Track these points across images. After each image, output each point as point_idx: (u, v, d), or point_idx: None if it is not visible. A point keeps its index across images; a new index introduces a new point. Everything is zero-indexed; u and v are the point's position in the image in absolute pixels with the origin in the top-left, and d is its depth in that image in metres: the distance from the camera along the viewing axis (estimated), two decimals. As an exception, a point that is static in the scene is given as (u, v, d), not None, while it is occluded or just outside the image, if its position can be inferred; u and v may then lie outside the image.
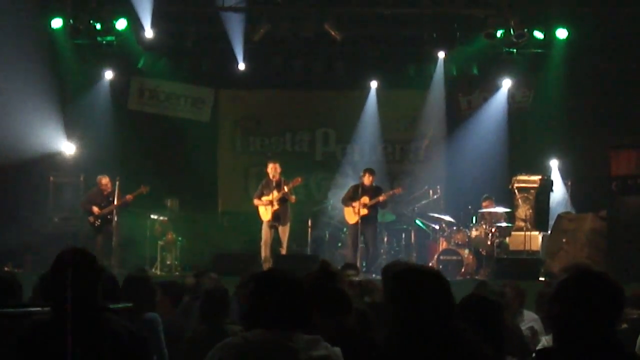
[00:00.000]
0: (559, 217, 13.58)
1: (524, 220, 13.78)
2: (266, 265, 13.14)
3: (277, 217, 13.92)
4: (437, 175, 16.50)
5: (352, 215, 14.21)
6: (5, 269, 12.48)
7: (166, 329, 6.34)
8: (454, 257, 13.99)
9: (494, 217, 14.46)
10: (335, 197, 15.56)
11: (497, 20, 14.70)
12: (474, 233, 14.34)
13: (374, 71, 16.73)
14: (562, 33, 14.77)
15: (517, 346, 5.77)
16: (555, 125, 15.55)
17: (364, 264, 13.93)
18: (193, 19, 15.70)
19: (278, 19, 15.42)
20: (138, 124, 16.93)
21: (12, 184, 15.13)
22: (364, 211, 14.04)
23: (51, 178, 15.42)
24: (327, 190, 16.90)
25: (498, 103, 16.34)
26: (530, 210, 13.72)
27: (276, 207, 13.88)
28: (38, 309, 3.99)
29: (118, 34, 14.84)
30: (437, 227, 14.86)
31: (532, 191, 13.83)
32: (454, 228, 14.57)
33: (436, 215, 14.92)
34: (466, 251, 14.05)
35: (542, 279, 12.36)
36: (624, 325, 5.86)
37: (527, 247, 13.39)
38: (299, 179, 14.10)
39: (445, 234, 14.56)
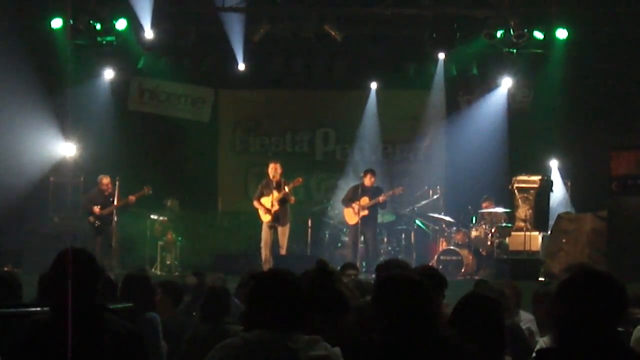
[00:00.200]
0: (559, 217, 13.57)
1: (524, 221, 13.77)
2: (266, 266, 13.14)
3: (277, 218, 13.91)
4: (437, 176, 16.51)
5: (352, 215, 14.22)
6: (5, 269, 12.47)
7: (166, 328, 6.35)
8: (454, 257, 14.00)
9: (494, 218, 14.47)
10: (336, 198, 15.57)
11: (497, 21, 14.69)
12: (474, 233, 14.35)
13: (374, 71, 16.73)
14: (562, 33, 14.75)
15: (517, 345, 5.76)
16: (555, 126, 15.54)
17: (363, 264, 13.94)
18: (193, 19, 15.70)
19: (278, 19, 15.42)
20: (138, 124, 16.93)
21: (13, 185, 15.11)
22: (364, 212, 14.05)
23: (51, 178, 15.42)
24: (327, 191, 16.92)
25: (498, 103, 16.33)
26: (530, 211, 13.71)
27: (276, 207, 13.87)
28: (37, 309, 3.99)
29: (118, 34, 14.82)
30: (437, 227, 14.88)
31: (532, 191, 13.81)
32: (454, 228, 14.59)
33: (436, 215, 14.93)
34: (466, 251, 14.06)
35: (542, 279, 12.36)
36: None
37: (527, 248, 13.38)
38: (300, 180, 14.10)
39: (445, 234, 14.57)
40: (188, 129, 17.05)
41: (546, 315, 7.27)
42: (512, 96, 16.37)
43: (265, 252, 13.94)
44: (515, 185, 14.09)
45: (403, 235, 15.15)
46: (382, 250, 14.67)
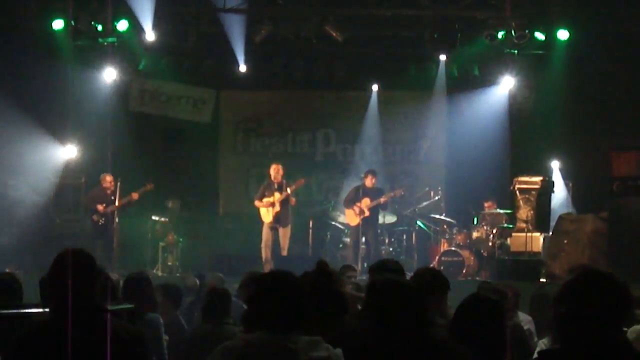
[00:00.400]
0: (560, 218, 13.56)
1: (525, 222, 13.75)
2: (267, 267, 13.14)
3: (278, 219, 13.92)
4: (438, 177, 16.51)
5: (353, 216, 14.22)
6: (7, 270, 12.46)
7: (167, 329, 6.35)
8: (455, 258, 14.00)
9: (495, 218, 14.46)
10: (338, 199, 15.57)
11: (498, 22, 14.70)
12: (475, 234, 14.35)
13: (374, 72, 16.72)
14: (563, 34, 14.75)
15: (518, 347, 5.76)
16: (556, 127, 15.52)
17: (364, 265, 13.93)
18: (194, 20, 15.69)
19: (279, 20, 15.43)
20: (139, 125, 16.91)
21: (13, 185, 15.11)
22: (365, 213, 14.05)
23: (52, 179, 15.41)
24: (327, 191, 16.91)
25: (499, 104, 16.31)
26: (532, 212, 13.69)
27: (277, 208, 13.87)
28: (37, 310, 3.99)
29: (119, 35, 14.83)
30: (438, 228, 14.87)
31: (533, 192, 13.80)
32: (455, 229, 14.59)
33: (437, 216, 14.93)
34: (467, 252, 14.06)
35: (543, 280, 12.35)
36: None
37: (529, 249, 13.37)
38: (302, 181, 14.10)
39: (447, 235, 14.57)
40: (189, 130, 17.04)
41: (542, 316, 7.28)
42: (513, 97, 16.34)
43: (266, 253, 13.95)
44: (517, 186, 14.07)
45: (404, 236, 15.15)
46: (383, 251, 14.64)
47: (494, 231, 14.18)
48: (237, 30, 15.40)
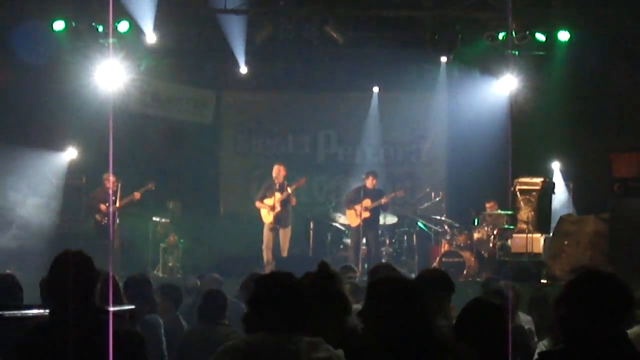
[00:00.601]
0: (561, 219, 13.55)
1: (526, 223, 13.75)
2: (268, 268, 13.14)
3: (278, 220, 13.93)
4: (439, 178, 16.52)
5: (354, 217, 14.23)
6: (7, 271, 12.47)
7: (166, 330, 6.36)
8: (456, 259, 13.99)
9: (495, 219, 14.46)
10: (339, 200, 15.58)
11: (499, 23, 14.68)
12: (476, 235, 14.34)
13: (375, 73, 16.72)
14: (564, 35, 14.74)
15: (519, 348, 5.76)
16: (557, 127, 15.52)
17: (365, 267, 13.93)
18: (195, 22, 15.69)
19: (280, 22, 15.42)
20: (140, 126, 16.90)
21: (14, 185, 15.12)
22: (366, 214, 14.05)
23: (53, 180, 15.42)
24: (329, 192, 16.91)
25: (500, 105, 16.30)
26: (532, 213, 13.69)
27: (278, 209, 13.88)
28: (36, 311, 3.99)
29: (120, 36, 14.82)
30: (439, 229, 14.87)
31: (534, 193, 13.79)
32: (456, 230, 14.59)
33: (438, 217, 14.93)
34: (468, 253, 14.06)
35: (544, 281, 12.35)
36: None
37: (529, 250, 13.37)
38: (303, 180, 14.12)
39: (448, 236, 14.57)
40: (190, 131, 17.04)
41: (540, 317, 7.30)
42: (513, 98, 16.32)
43: (266, 254, 13.96)
44: (517, 187, 14.07)
45: (405, 237, 15.15)
46: (383, 252, 14.66)
47: (495, 232, 14.18)
48: (238, 32, 15.39)
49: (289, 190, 13.79)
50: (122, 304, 4.78)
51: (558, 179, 15.54)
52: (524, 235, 13.59)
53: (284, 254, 13.94)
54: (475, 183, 15.45)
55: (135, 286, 6.32)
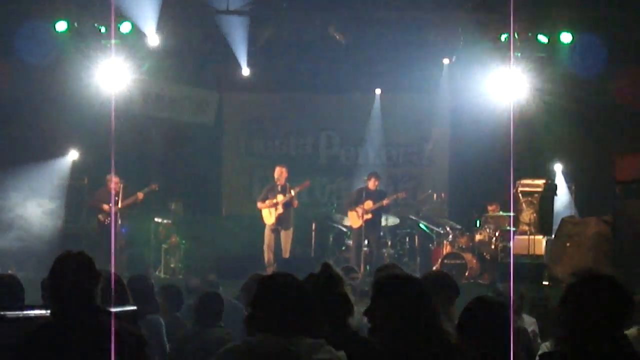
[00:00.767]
0: (563, 221, 13.54)
1: (528, 225, 13.75)
2: (269, 269, 13.14)
3: (280, 221, 13.93)
4: (441, 179, 16.52)
5: (356, 219, 14.23)
6: (9, 271, 12.48)
7: (167, 330, 6.38)
8: (458, 261, 13.98)
9: (497, 221, 14.45)
10: (341, 201, 15.58)
11: (501, 24, 14.68)
12: (477, 237, 14.33)
13: (378, 74, 16.74)
14: (566, 37, 14.73)
15: (522, 349, 5.76)
16: (559, 129, 15.51)
17: (367, 268, 13.93)
18: (197, 23, 15.71)
19: (282, 23, 15.43)
20: (142, 127, 16.91)
21: (16, 186, 15.13)
22: (368, 215, 14.05)
23: (55, 181, 15.43)
24: (331, 194, 16.92)
25: (502, 107, 16.29)
26: (534, 215, 13.69)
27: (280, 211, 13.88)
28: (37, 312, 3.99)
29: (122, 37, 14.83)
30: (441, 231, 14.86)
31: (536, 195, 13.80)
32: (458, 232, 14.58)
33: (440, 219, 14.92)
34: (470, 255, 14.05)
35: (545, 283, 12.34)
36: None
37: (531, 251, 13.37)
38: (308, 182, 14.13)
39: (449, 237, 14.56)
40: (192, 132, 17.05)
41: (540, 318, 7.30)
42: (516, 100, 16.32)
43: (268, 256, 13.95)
44: (520, 189, 14.07)
45: (407, 239, 15.16)
46: (385, 254, 14.66)
47: (497, 234, 14.17)
48: (240, 33, 15.40)
49: (293, 192, 13.79)
50: (129, 303, 4.77)
51: (560, 180, 15.54)
52: (526, 237, 13.59)
53: (286, 255, 13.94)
54: (477, 185, 15.45)
55: (136, 286, 6.31)
